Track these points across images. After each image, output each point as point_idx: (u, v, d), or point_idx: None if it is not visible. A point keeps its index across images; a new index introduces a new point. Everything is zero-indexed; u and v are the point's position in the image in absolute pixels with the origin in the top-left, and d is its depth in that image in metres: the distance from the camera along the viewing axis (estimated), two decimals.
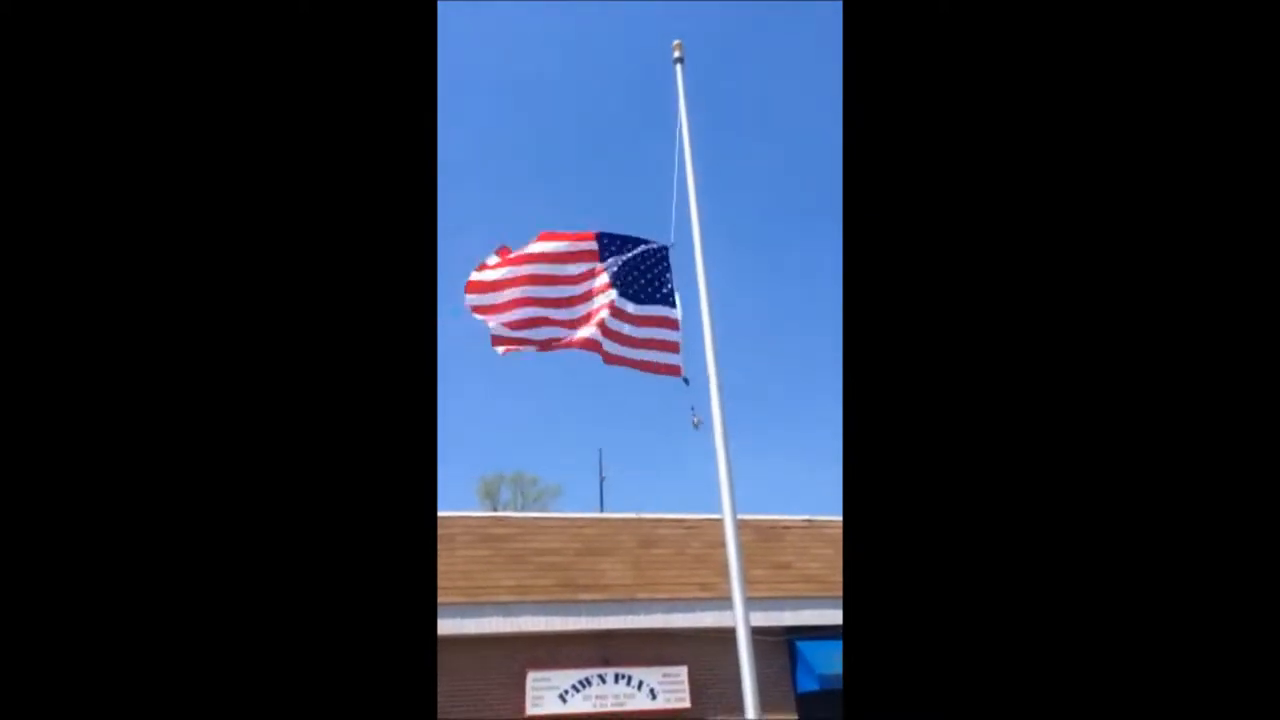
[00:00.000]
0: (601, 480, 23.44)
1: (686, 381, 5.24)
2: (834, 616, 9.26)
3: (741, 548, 4.36)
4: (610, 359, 5.39)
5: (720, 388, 4.80)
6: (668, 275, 5.62)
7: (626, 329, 5.45)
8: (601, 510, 18.09)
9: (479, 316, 5.55)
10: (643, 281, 5.60)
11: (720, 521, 4.66)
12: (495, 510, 30.61)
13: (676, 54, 6.02)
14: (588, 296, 5.58)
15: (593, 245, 5.67)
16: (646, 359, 5.40)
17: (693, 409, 4.87)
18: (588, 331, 5.41)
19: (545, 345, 5.52)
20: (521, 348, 5.51)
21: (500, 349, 5.52)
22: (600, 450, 34.64)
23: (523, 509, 31.95)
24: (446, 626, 8.18)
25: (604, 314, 5.42)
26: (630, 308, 5.50)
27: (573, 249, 5.65)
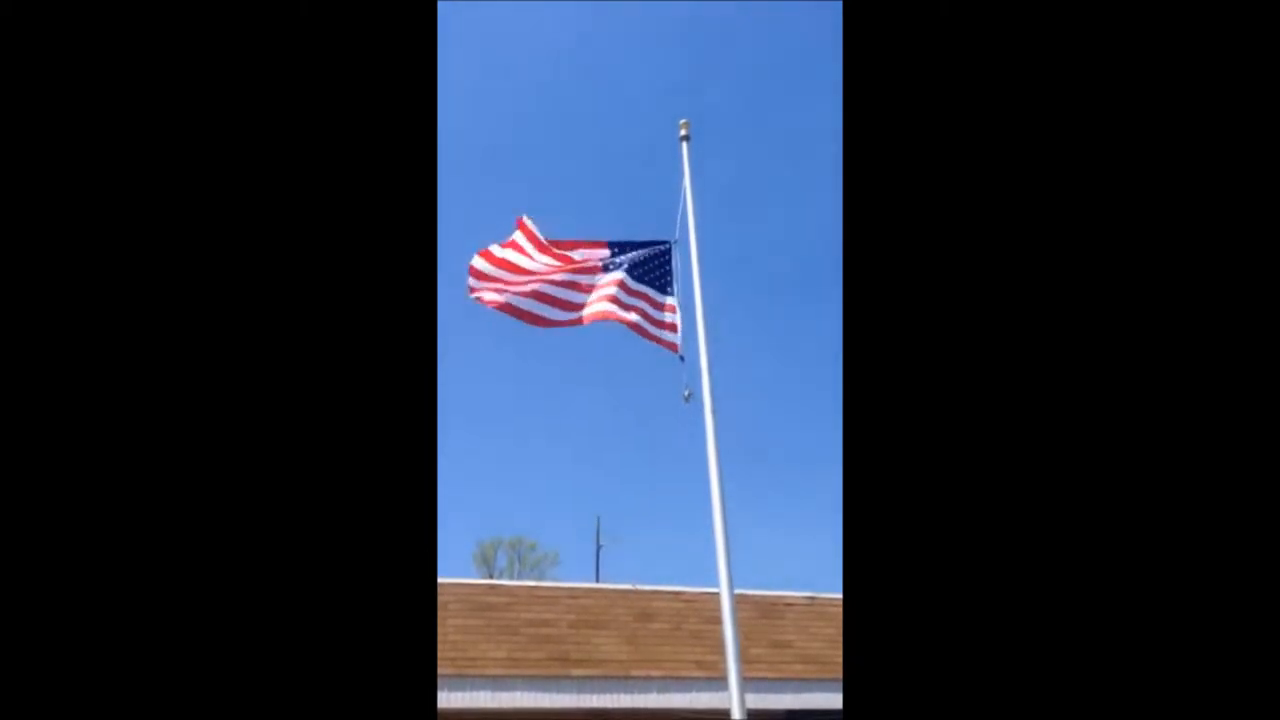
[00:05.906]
0: (598, 548, 22.99)
1: (682, 359, 5.44)
2: (836, 701, 8.90)
3: (739, 625, 4.20)
4: (615, 318, 5.57)
5: (718, 450, 4.71)
6: (669, 269, 5.94)
7: (629, 299, 5.71)
8: (597, 580, 17.69)
9: (477, 287, 5.59)
10: (650, 269, 5.89)
11: (718, 595, 4.50)
12: (490, 577, 29.97)
13: (683, 132, 6.07)
14: (591, 288, 5.78)
15: (605, 254, 5.93)
16: (648, 329, 5.62)
17: (686, 389, 5.01)
18: (595, 307, 5.59)
19: (538, 320, 5.60)
20: (507, 312, 5.57)
21: (480, 296, 5.54)
22: (598, 517, 34.18)
23: (519, 576, 31.31)
24: None
25: (612, 289, 5.65)
26: (636, 285, 5.78)
27: (585, 257, 5.88)
